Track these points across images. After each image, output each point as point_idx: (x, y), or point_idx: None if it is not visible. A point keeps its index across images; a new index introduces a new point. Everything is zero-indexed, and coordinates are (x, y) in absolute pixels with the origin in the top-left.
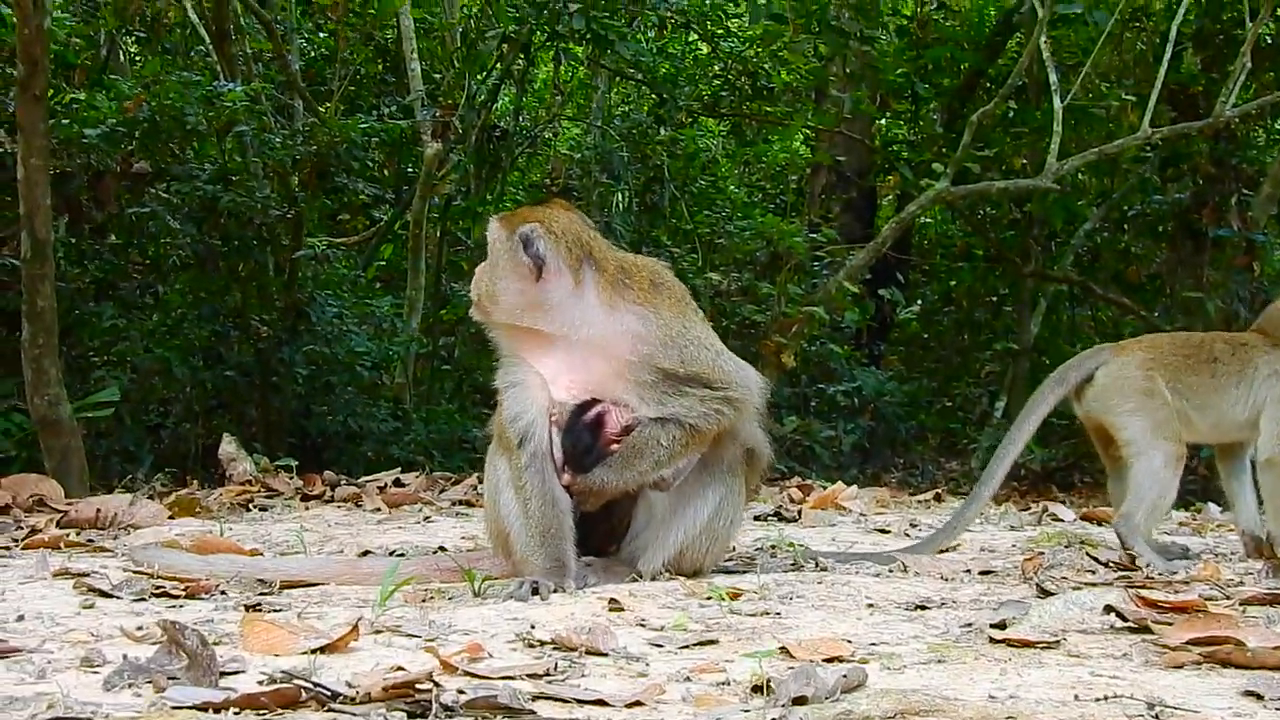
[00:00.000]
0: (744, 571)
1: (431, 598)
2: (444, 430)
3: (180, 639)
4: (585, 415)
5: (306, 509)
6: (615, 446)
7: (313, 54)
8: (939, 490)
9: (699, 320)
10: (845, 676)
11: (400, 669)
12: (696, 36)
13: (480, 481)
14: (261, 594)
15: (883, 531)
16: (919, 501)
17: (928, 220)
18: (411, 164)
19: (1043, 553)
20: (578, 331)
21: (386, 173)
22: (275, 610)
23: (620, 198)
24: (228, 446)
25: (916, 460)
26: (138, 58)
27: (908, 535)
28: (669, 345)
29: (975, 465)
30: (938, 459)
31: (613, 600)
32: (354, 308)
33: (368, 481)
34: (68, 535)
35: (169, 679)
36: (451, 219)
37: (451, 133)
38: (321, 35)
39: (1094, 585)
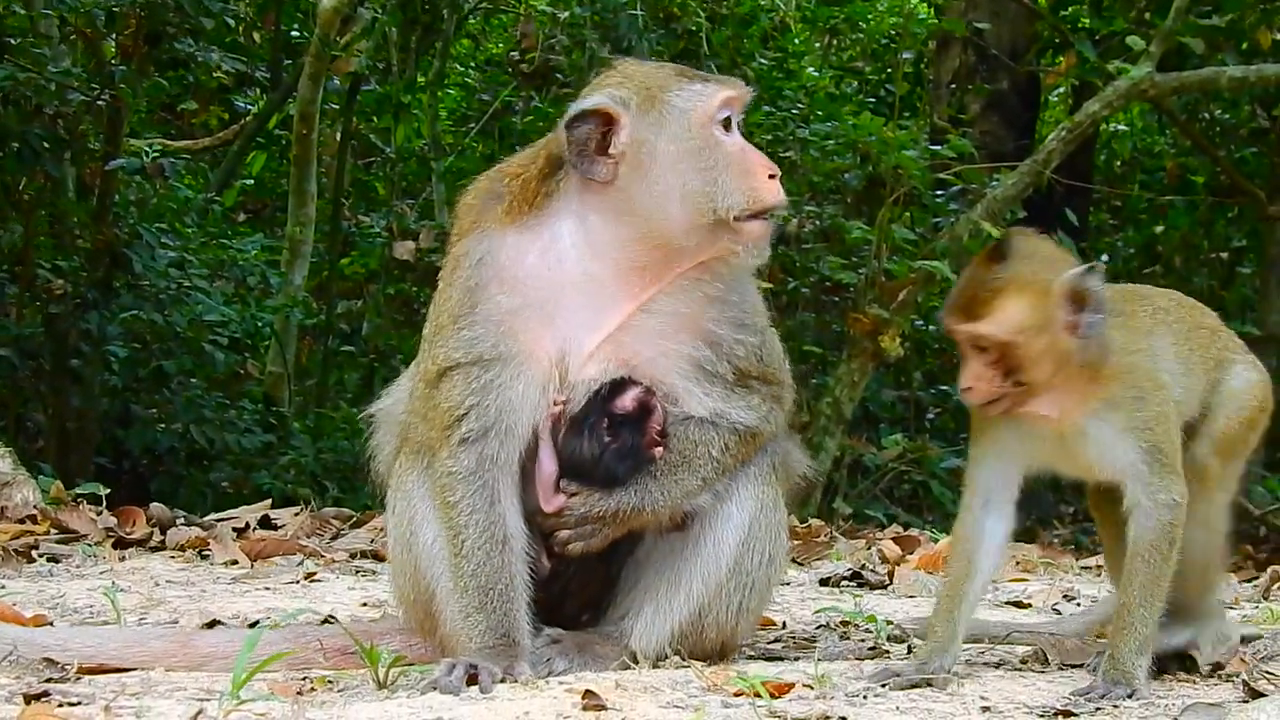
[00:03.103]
0: (796, 657)
1: (313, 688)
2: (342, 449)
3: None
4: (621, 400)
5: (122, 559)
6: (658, 452)
7: None
8: None
9: None
10: None
11: None
12: None
13: None
14: (50, 680)
15: (1019, 605)
16: (1085, 566)
17: (1120, 127)
18: (298, 24)
19: (1260, 636)
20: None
21: (257, 37)
22: (71, 702)
23: None
24: None
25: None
26: None
27: (1057, 612)
28: (754, 329)
29: None
30: None
31: (589, 695)
32: (202, 252)
33: (219, 521)
34: None
35: None
36: (360, 114)
37: None
38: None
39: None
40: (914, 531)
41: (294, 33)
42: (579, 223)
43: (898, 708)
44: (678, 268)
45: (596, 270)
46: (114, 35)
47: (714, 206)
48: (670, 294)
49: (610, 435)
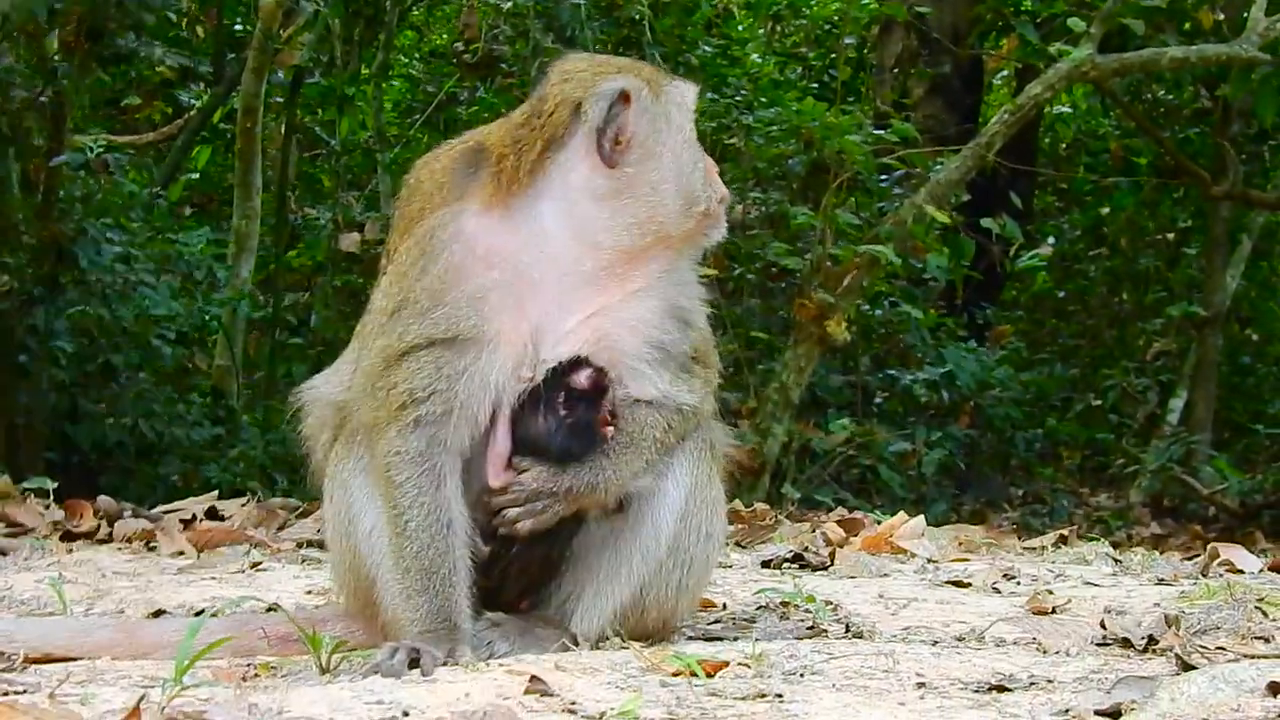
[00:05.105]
0: (735, 638)
1: (257, 673)
2: (291, 441)
3: None
4: (576, 376)
5: (69, 551)
6: (610, 431)
7: None
8: (1066, 530)
9: None
10: None
11: None
12: None
13: None
14: None
15: (959, 585)
16: (1028, 547)
17: (1064, 109)
18: (240, 18)
19: (1191, 612)
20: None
21: (200, 31)
22: (16, 691)
23: None
24: None
25: (1043, 491)
26: None
27: (997, 591)
28: (701, 310)
29: (1138, 499)
30: (1077, 489)
31: (531, 677)
32: (148, 246)
33: (167, 512)
34: None
35: None
36: (304, 106)
37: None
38: None
39: (1262, 657)
40: (858, 514)
41: (236, 26)
42: (565, 206)
43: (833, 685)
44: (660, 252)
45: (580, 253)
46: (56, 31)
47: (701, 194)
48: (648, 277)
49: (566, 410)
